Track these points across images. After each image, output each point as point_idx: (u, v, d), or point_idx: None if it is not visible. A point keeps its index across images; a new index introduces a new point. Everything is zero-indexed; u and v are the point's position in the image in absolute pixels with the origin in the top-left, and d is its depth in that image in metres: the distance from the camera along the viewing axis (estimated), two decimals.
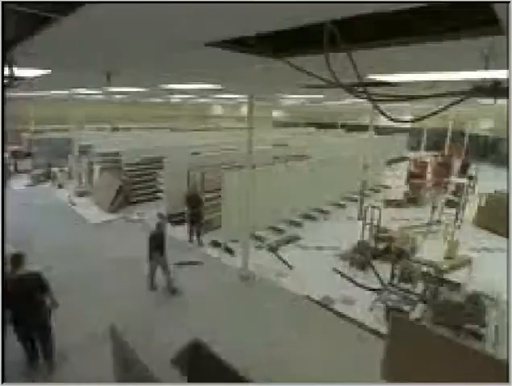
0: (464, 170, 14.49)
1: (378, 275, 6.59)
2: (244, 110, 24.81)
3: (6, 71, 2.61)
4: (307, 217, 9.87)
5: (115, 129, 20.37)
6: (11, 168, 13.98)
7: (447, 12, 1.65)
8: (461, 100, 2.15)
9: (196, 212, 7.90)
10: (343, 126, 26.58)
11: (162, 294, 5.94)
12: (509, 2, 1.19)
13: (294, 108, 25.47)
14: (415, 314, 5.27)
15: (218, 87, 6.68)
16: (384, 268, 6.80)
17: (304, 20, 1.59)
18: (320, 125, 26.88)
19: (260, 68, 3.35)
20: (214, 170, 9.28)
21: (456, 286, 5.76)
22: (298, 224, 9.31)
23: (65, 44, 2.47)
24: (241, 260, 6.57)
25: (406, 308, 5.31)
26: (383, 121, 19.46)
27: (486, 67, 2.15)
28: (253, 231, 7.81)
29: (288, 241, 8.23)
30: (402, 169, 15.67)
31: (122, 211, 10.23)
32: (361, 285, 6.31)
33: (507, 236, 7.57)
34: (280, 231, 8.72)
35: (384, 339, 4.36)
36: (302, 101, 13.27)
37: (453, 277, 6.15)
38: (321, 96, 9.15)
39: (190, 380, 2.85)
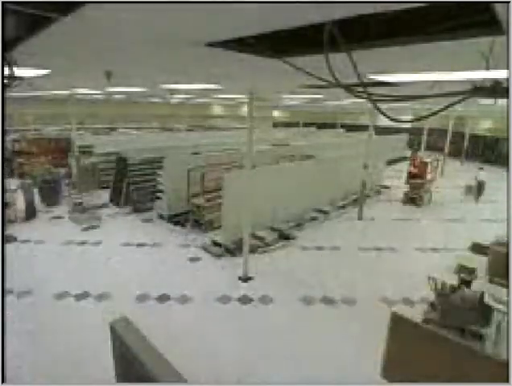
0: None
1: None
2: (244, 110, 24.81)
3: (6, 71, 2.61)
4: (307, 217, 9.87)
5: (112, 130, 20.32)
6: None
7: (447, 12, 1.65)
8: (461, 100, 2.15)
9: None
10: (343, 126, 26.59)
11: None
12: (509, 2, 1.19)
13: (294, 108, 25.48)
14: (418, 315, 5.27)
15: (218, 87, 6.68)
16: None
17: (304, 20, 1.59)
18: (320, 125, 26.90)
19: (260, 68, 3.35)
20: (214, 169, 9.30)
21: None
22: (298, 224, 9.31)
23: (65, 44, 2.47)
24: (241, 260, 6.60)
25: None
26: (383, 121, 19.47)
27: (486, 67, 2.15)
28: (253, 231, 7.81)
29: (288, 241, 8.25)
30: (403, 168, 15.70)
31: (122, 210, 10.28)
32: None
33: (507, 236, 7.55)
34: (280, 230, 8.72)
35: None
36: (302, 101, 13.27)
37: None
38: (321, 96, 9.15)
39: None
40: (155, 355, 2.52)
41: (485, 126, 22.57)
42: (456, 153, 21.59)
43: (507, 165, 16.44)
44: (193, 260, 7.26)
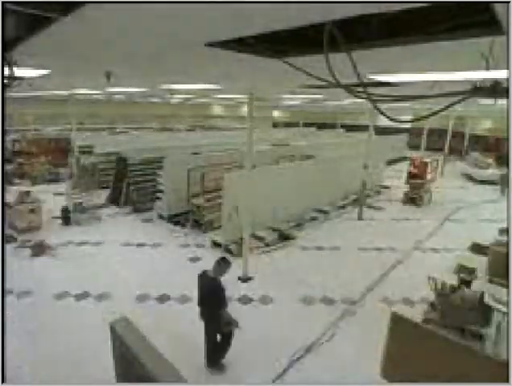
0: None
1: None
2: (244, 110, 24.79)
3: (6, 71, 2.61)
4: (307, 217, 9.87)
5: (113, 129, 20.31)
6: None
7: (447, 12, 1.65)
8: (461, 100, 2.15)
9: None
10: (343, 126, 26.59)
11: None
12: (509, 2, 1.19)
13: (294, 108, 25.48)
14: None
15: (218, 87, 6.68)
16: None
17: (304, 20, 1.59)
18: (320, 125, 26.90)
19: (260, 68, 3.35)
20: (214, 169, 9.30)
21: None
22: (298, 224, 9.31)
23: (65, 44, 2.47)
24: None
25: None
26: (383, 121, 19.48)
27: (486, 68, 2.15)
28: (253, 231, 7.81)
29: (288, 241, 8.25)
30: (403, 168, 15.72)
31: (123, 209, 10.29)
32: None
33: (507, 235, 7.56)
34: (280, 230, 8.72)
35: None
36: (302, 101, 13.26)
37: None
38: (321, 96, 9.15)
39: None
40: (155, 355, 2.53)
41: (485, 126, 22.58)
42: (456, 153, 21.60)
43: (507, 165, 16.44)
44: (193, 260, 7.26)
